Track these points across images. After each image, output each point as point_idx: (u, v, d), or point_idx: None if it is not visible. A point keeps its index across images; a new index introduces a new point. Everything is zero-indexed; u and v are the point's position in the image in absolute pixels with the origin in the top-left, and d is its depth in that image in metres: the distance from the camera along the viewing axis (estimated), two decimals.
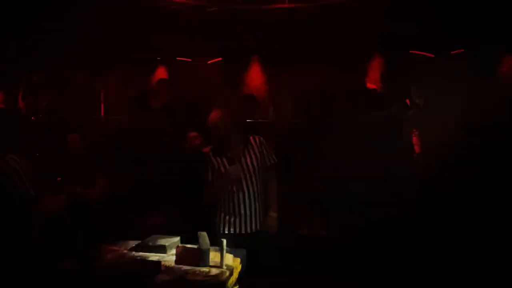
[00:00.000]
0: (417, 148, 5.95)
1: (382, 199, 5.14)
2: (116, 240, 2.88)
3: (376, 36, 6.27)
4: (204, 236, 2.64)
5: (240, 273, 2.62)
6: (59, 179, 4.25)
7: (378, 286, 4.60)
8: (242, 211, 3.14)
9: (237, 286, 2.75)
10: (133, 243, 2.79)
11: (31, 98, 5.41)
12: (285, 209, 3.47)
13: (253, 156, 3.19)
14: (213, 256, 2.51)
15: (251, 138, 3.27)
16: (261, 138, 3.29)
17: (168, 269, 2.36)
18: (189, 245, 2.84)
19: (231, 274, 2.40)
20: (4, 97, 5.94)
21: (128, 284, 2.12)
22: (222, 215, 3.21)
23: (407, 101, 6.14)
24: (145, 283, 2.13)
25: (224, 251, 2.45)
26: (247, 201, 3.14)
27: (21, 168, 2.26)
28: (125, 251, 2.66)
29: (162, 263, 2.41)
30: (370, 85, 6.49)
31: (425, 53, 6.95)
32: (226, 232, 3.16)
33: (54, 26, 5.47)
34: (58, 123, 5.17)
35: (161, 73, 7.09)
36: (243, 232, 3.14)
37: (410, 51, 6.84)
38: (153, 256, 2.56)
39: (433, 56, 6.90)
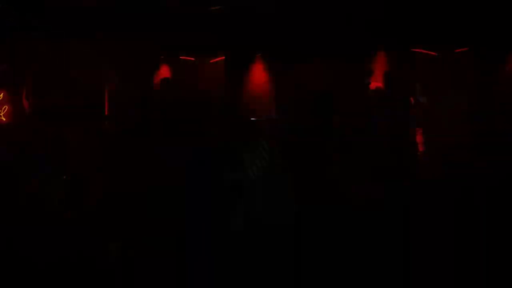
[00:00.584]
0: (421, 147, 5.94)
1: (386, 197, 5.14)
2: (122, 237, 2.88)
3: (380, 34, 6.25)
4: None
5: None
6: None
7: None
8: (247, 209, 3.19)
9: None
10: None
11: (35, 97, 5.42)
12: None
13: (251, 159, 3.25)
14: None
15: (251, 141, 3.34)
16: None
17: None
18: None
19: None
20: (9, 96, 5.98)
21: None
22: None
23: (411, 99, 6.14)
24: None
25: None
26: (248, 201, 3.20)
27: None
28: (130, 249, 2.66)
29: None
30: (374, 84, 6.47)
31: (428, 52, 6.92)
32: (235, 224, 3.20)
33: (58, 25, 5.49)
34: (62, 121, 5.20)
35: (164, 72, 7.09)
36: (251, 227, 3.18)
37: (413, 50, 6.82)
38: None
39: (436, 54, 6.87)
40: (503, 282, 3.51)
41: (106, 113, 6.04)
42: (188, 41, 6.91)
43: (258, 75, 7.23)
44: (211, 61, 7.81)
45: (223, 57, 7.60)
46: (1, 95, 6.27)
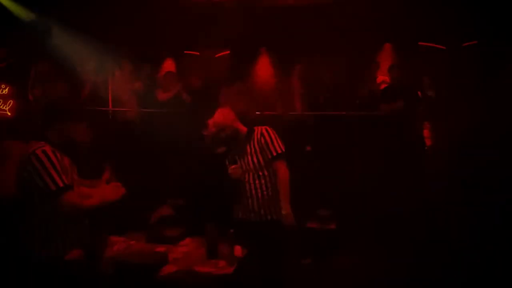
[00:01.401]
0: (428, 142, 5.86)
1: (390, 193, 5.08)
2: (123, 231, 2.85)
3: (387, 27, 6.16)
4: (211, 227, 2.59)
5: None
6: None
7: (387, 278, 4.54)
8: (247, 202, 3.09)
9: None
10: (141, 234, 2.76)
11: (39, 89, 5.41)
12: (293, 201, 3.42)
13: (252, 150, 3.08)
14: (222, 248, 2.47)
15: (255, 129, 3.16)
16: (264, 129, 3.13)
17: (176, 260, 2.32)
18: (196, 237, 2.81)
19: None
20: (15, 88, 5.96)
21: (134, 275, 2.07)
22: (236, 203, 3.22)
23: (419, 93, 6.04)
24: (151, 274, 2.08)
25: (233, 243, 2.40)
26: (249, 194, 3.07)
27: (49, 160, 2.23)
28: (132, 242, 2.62)
29: (170, 254, 2.37)
30: (381, 77, 6.39)
31: (436, 45, 6.82)
32: (237, 216, 3.15)
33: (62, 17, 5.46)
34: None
35: (169, 66, 7.05)
36: (251, 220, 3.09)
37: (420, 43, 6.72)
38: (161, 247, 2.52)
39: (444, 48, 6.76)
40: None
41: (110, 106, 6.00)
42: (193, 35, 6.86)
43: (263, 69, 7.16)
44: (216, 55, 7.76)
45: (228, 51, 7.56)
46: (7, 89, 6.26)
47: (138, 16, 5.74)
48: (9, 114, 6.26)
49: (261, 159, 3.06)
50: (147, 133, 5.83)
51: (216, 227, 2.63)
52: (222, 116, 3.13)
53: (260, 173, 3.07)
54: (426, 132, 5.86)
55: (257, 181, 3.07)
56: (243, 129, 3.17)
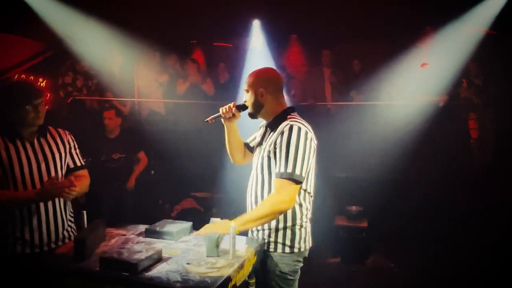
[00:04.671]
0: (474, 133, 5.39)
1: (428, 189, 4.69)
2: (126, 224, 2.69)
3: (428, 12, 5.70)
4: (215, 222, 2.37)
5: (255, 265, 2.34)
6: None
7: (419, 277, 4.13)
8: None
9: (254, 280, 2.47)
10: (143, 228, 2.59)
11: (69, 78, 5.47)
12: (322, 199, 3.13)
13: (266, 143, 2.38)
14: (226, 245, 2.25)
15: (288, 119, 2.29)
16: (291, 127, 2.21)
17: (171, 258, 2.12)
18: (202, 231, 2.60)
19: (241, 267, 2.11)
20: (52, 83, 6.11)
21: (121, 272, 1.90)
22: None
23: (463, 81, 5.59)
24: (138, 272, 1.89)
25: (234, 240, 2.16)
26: (248, 198, 2.52)
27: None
28: (132, 236, 2.46)
29: (166, 250, 2.18)
30: (423, 64, 5.95)
31: (486, 31, 6.25)
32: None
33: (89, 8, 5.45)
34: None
35: (197, 57, 6.90)
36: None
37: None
38: (160, 243, 2.33)
39: (494, 33, 6.18)
40: None
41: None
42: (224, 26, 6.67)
43: (295, 57, 6.87)
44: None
45: None
46: (44, 82, 6.38)
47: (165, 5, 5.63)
48: (46, 107, 6.40)
49: (266, 160, 2.33)
50: (172, 124, 5.74)
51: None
52: (262, 72, 2.40)
53: (261, 171, 2.38)
54: (471, 123, 5.38)
55: (254, 181, 2.45)
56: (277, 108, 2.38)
